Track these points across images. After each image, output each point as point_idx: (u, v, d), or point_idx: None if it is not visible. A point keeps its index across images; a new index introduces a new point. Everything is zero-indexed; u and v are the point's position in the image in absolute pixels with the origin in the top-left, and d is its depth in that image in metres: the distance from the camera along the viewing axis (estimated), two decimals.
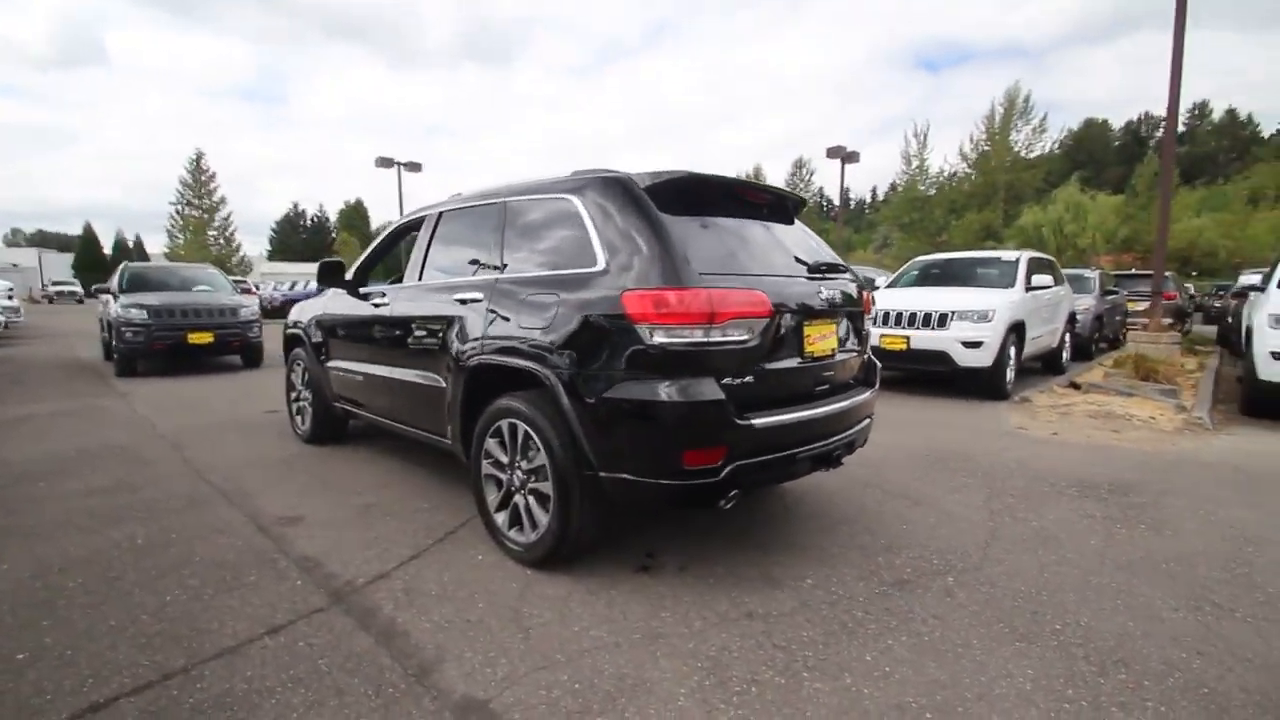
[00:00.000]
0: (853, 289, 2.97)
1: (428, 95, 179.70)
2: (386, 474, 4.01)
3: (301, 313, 4.81)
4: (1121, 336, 12.61)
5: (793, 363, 2.56)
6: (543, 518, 2.57)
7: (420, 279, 3.47)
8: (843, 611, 2.36)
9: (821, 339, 2.69)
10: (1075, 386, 7.26)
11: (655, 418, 2.23)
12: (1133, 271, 16.30)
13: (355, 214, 62.21)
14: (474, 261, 3.12)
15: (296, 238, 67.90)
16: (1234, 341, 10.72)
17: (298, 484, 3.82)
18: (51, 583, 2.53)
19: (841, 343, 2.84)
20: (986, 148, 36.71)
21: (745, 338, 2.33)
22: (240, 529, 3.10)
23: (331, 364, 4.29)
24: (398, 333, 3.49)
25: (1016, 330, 6.99)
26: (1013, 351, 6.99)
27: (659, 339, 2.22)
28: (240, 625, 2.22)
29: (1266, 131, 64.80)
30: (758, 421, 2.34)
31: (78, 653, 2.06)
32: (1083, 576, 2.68)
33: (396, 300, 3.54)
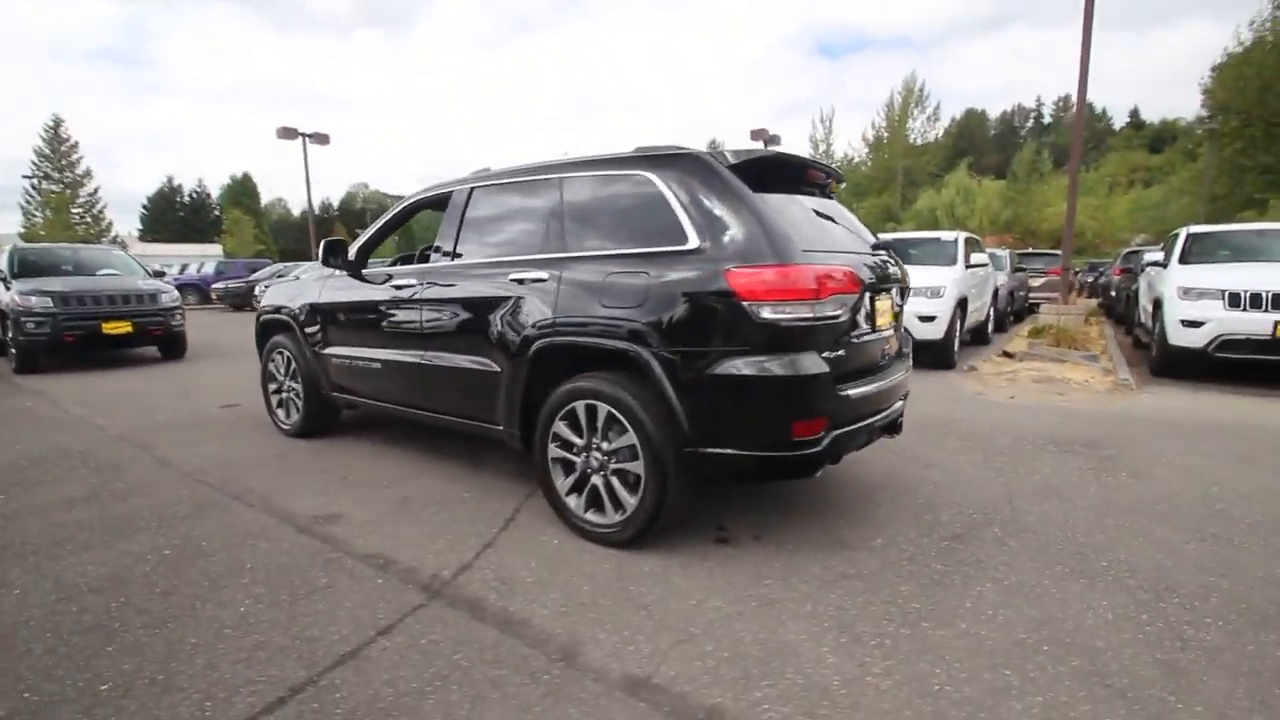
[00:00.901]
0: (896, 264, 3.14)
1: (318, 62, 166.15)
2: (404, 465, 3.82)
3: (283, 297, 4.43)
4: (1026, 309, 13.96)
5: (869, 335, 2.68)
6: (630, 498, 2.57)
7: (454, 259, 3.30)
8: (922, 566, 2.54)
9: (884, 313, 2.83)
10: (1009, 355, 7.98)
11: (766, 392, 2.29)
12: (1029, 250, 17.93)
13: (243, 189, 57.03)
14: (526, 240, 3.01)
15: (172, 215, 61.13)
16: (1120, 313, 12.16)
17: (310, 481, 3.56)
18: (90, 605, 2.25)
19: (895, 316, 3.01)
20: (885, 135, 39.05)
21: (839, 312, 2.42)
22: (278, 532, 2.87)
23: (332, 351, 4.00)
24: (432, 316, 3.31)
25: (961, 305, 7.58)
26: (959, 325, 7.59)
27: (767, 315, 2.26)
28: (344, 629, 2.09)
29: (1117, 124, 72.77)
30: (850, 392, 2.45)
31: (175, 677, 1.86)
32: (1099, 520, 3.02)
33: (428, 282, 3.34)
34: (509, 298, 2.92)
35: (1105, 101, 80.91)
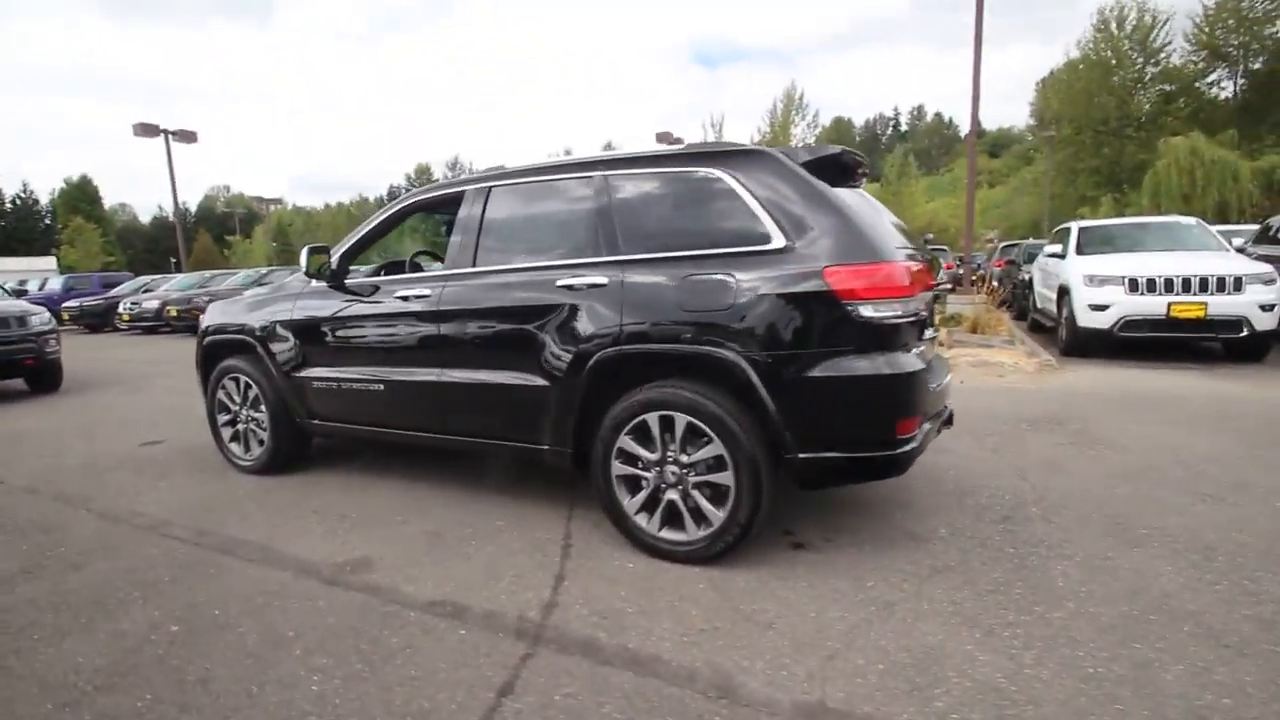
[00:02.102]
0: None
1: (165, 54, 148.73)
2: (406, 496, 3.43)
3: (237, 314, 3.84)
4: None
5: (931, 331, 2.73)
6: (717, 511, 2.44)
7: (474, 265, 3.00)
8: (997, 551, 2.62)
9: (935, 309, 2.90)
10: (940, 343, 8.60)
11: (873, 391, 2.25)
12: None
13: (81, 194, 50.00)
14: (568, 243, 2.79)
15: None
16: (1009, 301, 13.48)
17: (306, 523, 3.10)
18: (108, 709, 1.80)
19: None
20: (769, 139, 41.07)
21: (921, 308, 2.44)
22: (303, 588, 2.46)
23: (312, 374, 3.51)
24: (455, 330, 2.98)
25: None
26: None
27: (867, 313, 2.23)
28: (456, 696, 1.81)
29: (962, 131, 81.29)
30: (933, 386, 2.47)
31: None
32: (1108, 490, 3.27)
33: (446, 292, 3.01)
34: (558, 305, 2.69)
35: (951, 112, 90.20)
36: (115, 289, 18.91)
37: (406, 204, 3.37)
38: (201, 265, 42.75)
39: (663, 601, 2.28)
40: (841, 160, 2.58)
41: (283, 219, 63.11)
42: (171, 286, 17.19)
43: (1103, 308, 7.02)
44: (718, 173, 2.50)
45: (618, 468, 2.62)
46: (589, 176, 2.78)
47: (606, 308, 2.57)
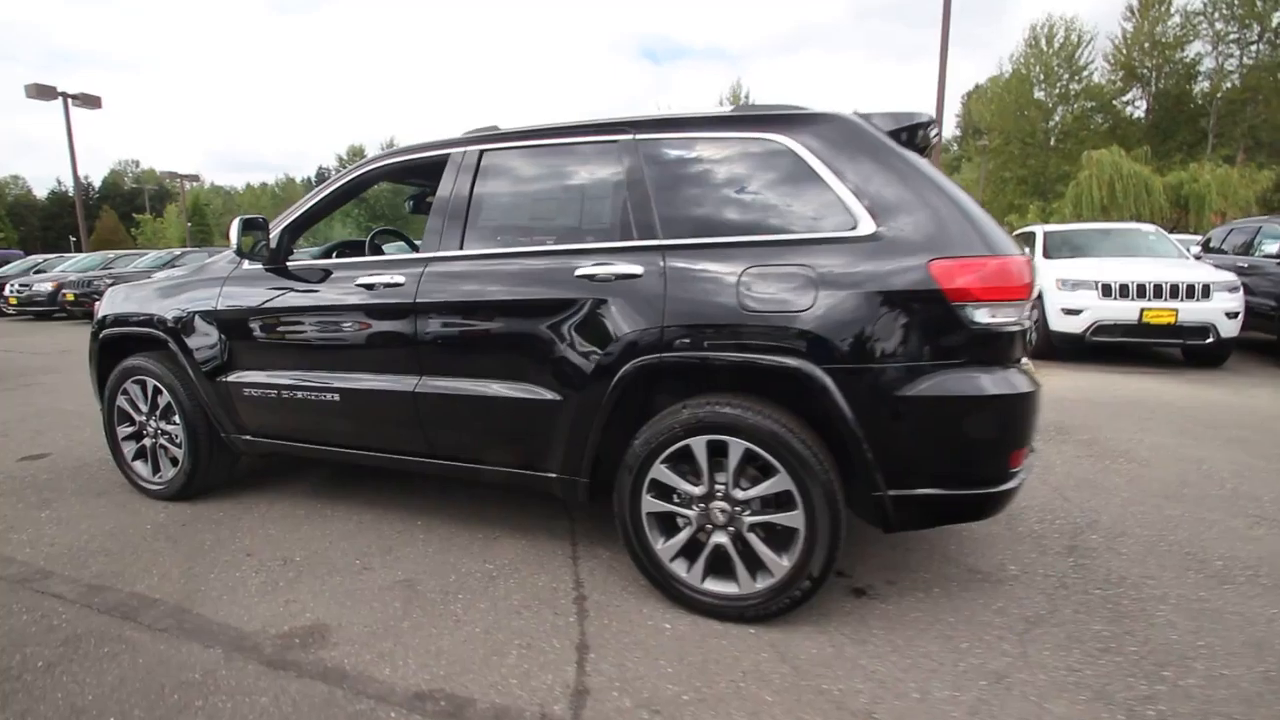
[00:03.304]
0: None
1: (75, 12, 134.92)
2: (366, 528, 2.80)
3: (145, 302, 3.07)
4: None
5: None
6: (780, 559, 1.97)
7: (462, 247, 2.41)
8: (1082, 595, 2.27)
9: None
10: None
11: (989, 416, 1.83)
12: None
13: None
14: (587, 222, 2.25)
15: None
16: None
17: (238, 570, 2.44)
18: None
19: None
20: None
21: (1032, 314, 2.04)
22: (238, 675, 1.83)
23: (244, 379, 2.82)
24: (437, 329, 2.38)
25: None
26: None
27: (982, 318, 1.80)
28: None
29: None
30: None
31: None
32: (1159, 511, 3.01)
33: (427, 281, 2.40)
34: (575, 301, 2.14)
35: None
36: (2, 269, 16.75)
37: (371, 168, 2.71)
38: (106, 245, 39.02)
39: (723, 681, 1.79)
40: (920, 129, 2.15)
41: (200, 198, 58.60)
42: (68, 267, 15.31)
43: (1075, 312, 7.00)
44: (784, 141, 2.02)
45: (650, 503, 2.11)
46: (616, 140, 2.24)
47: (642, 304, 2.05)
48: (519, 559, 2.52)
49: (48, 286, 13.59)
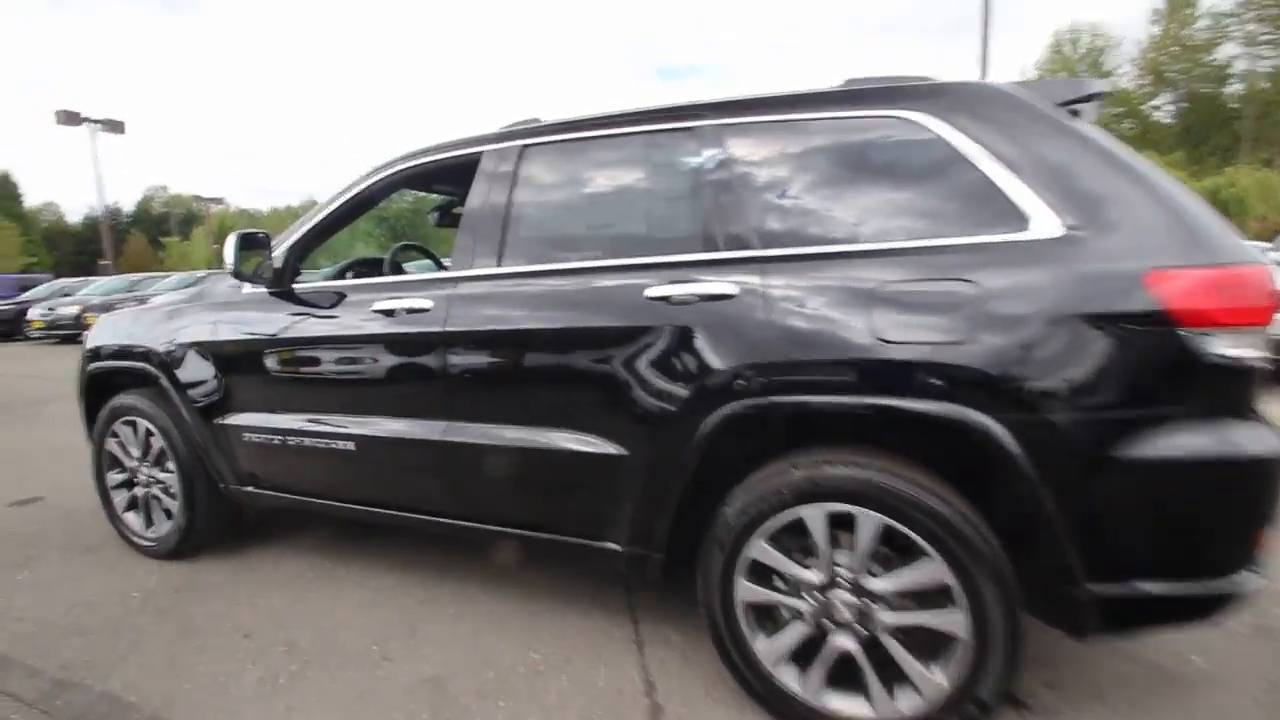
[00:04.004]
0: None
1: (96, 44, 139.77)
2: (383, 602, 2.35)
3: (135, 333, 2.68)
4: None
5: None
6: (931, 675, 1.47)
7: (500, 264, 1.97)
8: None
9: None
10: None
11: (1234, 485, 1.33)
12: None
13: (1, 191, 45.94)
14: (657, 230, 1.81)
15: None
16: None
17: (230, 660, 2.01)
18: None
19: None
20: None
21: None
22: None
23: (244, 421, 2.40)
24: (470, 363, 1.94)
25: None
26: None
27: (1221, 350, 1.31)
28: None
29: None
30: None
31: None
32: None
33: (457, 305, 1.96)
34: (647, 330, 1.69)
35: None
36: (28, 292, 16.84)
37: (389, 173, 2.29)
38: (135, 268, 39.71)
39: None
40: (1092, 102, 1.66)
41: (225, 220, 59.73)
42: (93, 290, 15.33)
43: None
44: (920, 118, 1.56)
45: (747, 589, 1.64)
46: (692, 127, 1.79)
47: (735, 333, 1.59)
48: (570, 645, 2.05)
49: (73, 310, 13.54)
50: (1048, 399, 1.36)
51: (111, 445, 2.79)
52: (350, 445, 2.17)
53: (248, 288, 2.42)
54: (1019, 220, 1.44)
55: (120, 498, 2.83)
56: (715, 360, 1.61)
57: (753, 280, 1.61)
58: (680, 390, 1.65)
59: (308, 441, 2.26)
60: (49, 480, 3.89)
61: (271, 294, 2.37)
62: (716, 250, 1.69)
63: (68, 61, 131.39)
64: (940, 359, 1.41)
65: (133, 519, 2.81)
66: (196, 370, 2.47)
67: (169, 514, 2.69)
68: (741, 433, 1.63)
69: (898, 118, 1.58)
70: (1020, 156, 1.47)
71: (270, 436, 2.35)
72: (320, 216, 2.39)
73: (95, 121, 18.27)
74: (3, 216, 40.17)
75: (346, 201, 2.35)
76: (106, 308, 13.32)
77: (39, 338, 14.13)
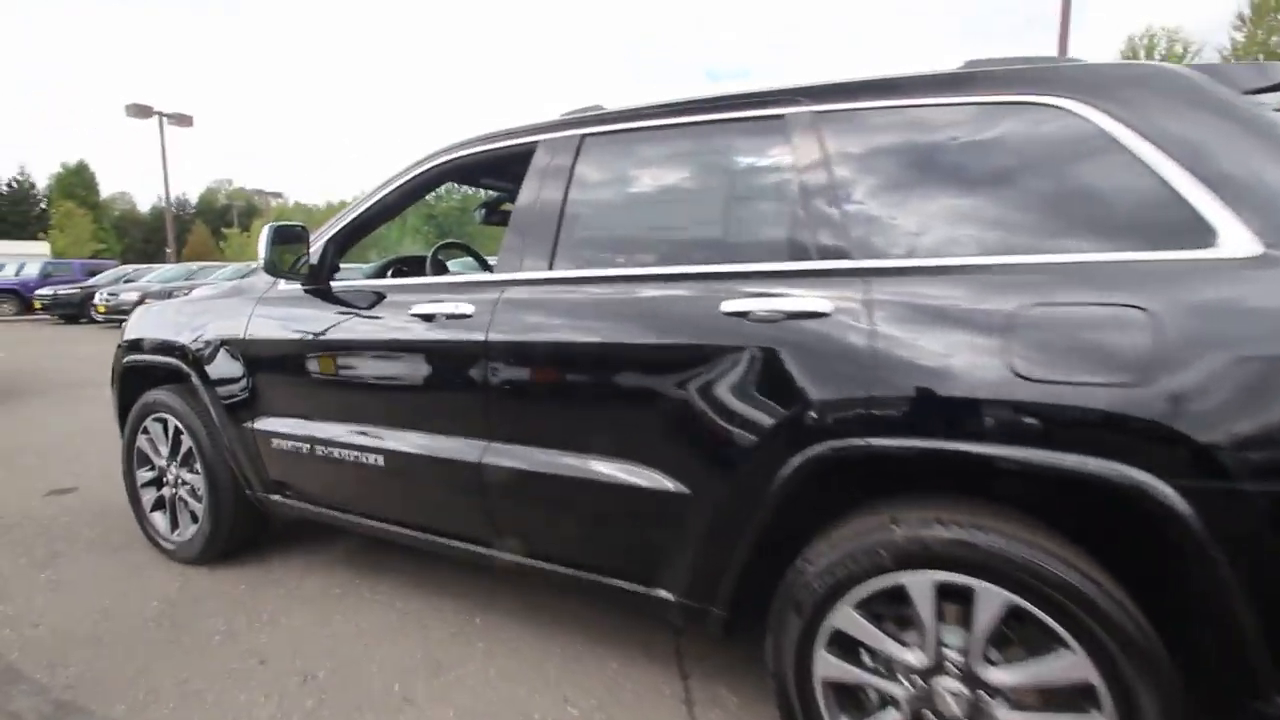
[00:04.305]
0: None
1: (168, 39, 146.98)
2: (411, 630, 2.16)
3: (168, 326, 2.58)
4: None
5: None
6: None
7: (551, 266, 1.76)
8: None
9: None
10: None
11: None
12: None
13: (77, 179, 48.57)
14: (735, 233, 1.57)
15: None
16: None
17: (242, 690, 1.84)
18: None
19: None
20: None
21: None
22: None
23: (273, 426, 2.26)
24: (516, 377, 1.74)
25: None
26: None
27: None
28: None
29: None
30: None
31: None
32: None
33: (502, 312, 1.75)
34: (722, 349, 1.44)
35: None
36: (94, 277, 17.63)
37: (435, 164, 2.09)
38: (198, 257, 41.46)
39: None
40: None
41: (283, 214, 61.92)
42: (154, 278, 15.92)
43: None
44: (1071, 106, 1.27)
45: (829, 664, 1.37)
46: (783, 115, 1.54)
47: (831, 358, 1.33)
48: (610, 698, 1.81)
49: (133, 296, 14.04)
50: (1241, 461, 1.06)
51: (142, 442, 2.70)
52: (379, 460, 1.99)
53: (283, 284, 2.27)
54: (1203, 234, 1.14)
55: (148, 496, 2.73)
56: (802, 390, 1.35)
57: (852, 296, 1.34)
58: (758, 424, 1.40)
59: (336, 452, 2.09)
60: (86, 468, 3.87)
61: (307, 291, 2.21)
62: (807, 259, 1.43)
63: (141, 55, 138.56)
64: (1098, 404, 1.12)
65: (159, 520, 2.70)
66: (227, 369, 2.33)
67: (195, 517, 2.57)
68: (830, 478, 1.36)
69: (1043, 104, 1.30)
70: (1203, 157, 1.17)
71: (299, 444, 2.18)
72: (361, 209, 2.22)
73: (165, 115, 19.05)
74: (79, 205, 42.36)
75: (389, 194, 2.17)
76: (166, 294, 13.81)
77: (103, 321, 14.73)
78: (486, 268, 2.69)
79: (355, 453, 2.05)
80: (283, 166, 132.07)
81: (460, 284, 1.94)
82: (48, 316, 16.67)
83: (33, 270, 18.84)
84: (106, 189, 59.11)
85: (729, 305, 1.45)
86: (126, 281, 16.29)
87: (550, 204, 1.80)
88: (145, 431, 2.67)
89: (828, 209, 1.43)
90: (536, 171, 1.85)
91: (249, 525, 2.55)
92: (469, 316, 1.80)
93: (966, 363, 1.22)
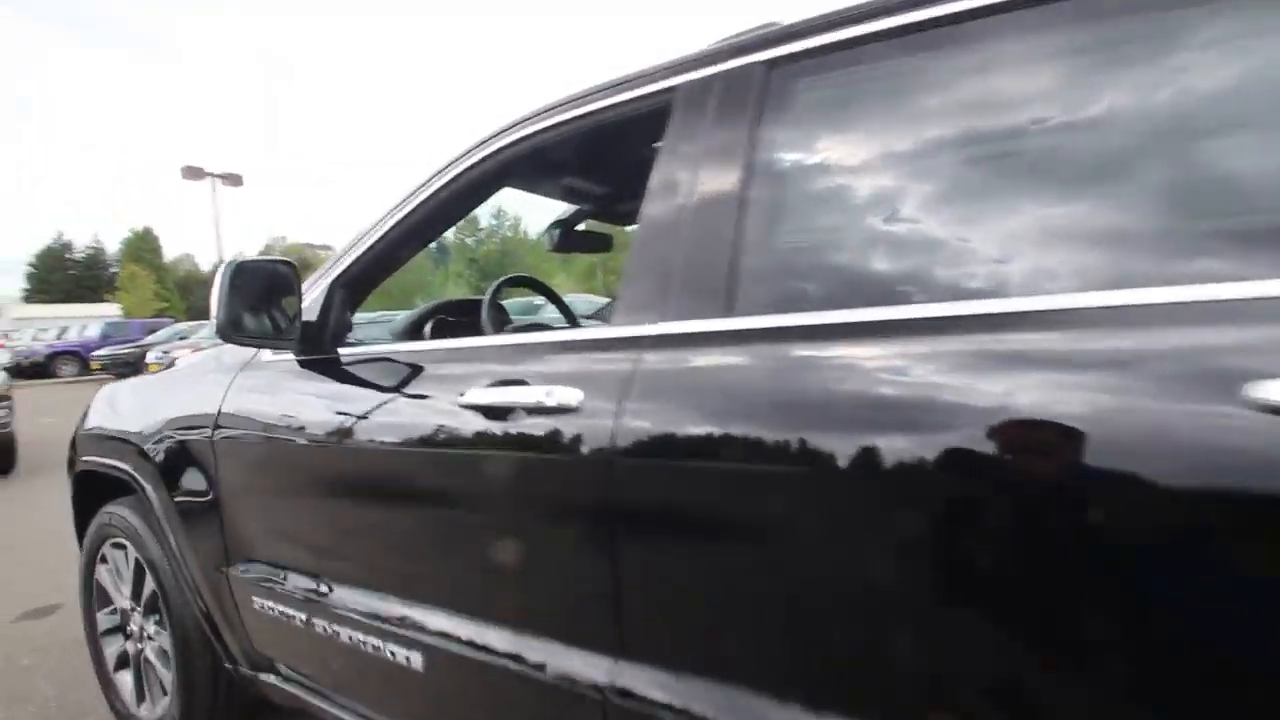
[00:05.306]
0: None
1: (214, 100, 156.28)
2: None
3: (126, 415, 1.84)
4: None
5: None
6: None
7: (730, 310, 0.91)
8: None
9: None
10: None
11: None
12: None
13: (143, 244, 51.34)
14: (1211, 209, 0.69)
15: (62, 274, 54.57)
16: None
17: None
18: None
19: None
20: None
21: None
22: None
23: (252, 574, 1.45)
24: (682, 530, 0.88)
25: None
26: None
27: None
28: None
29: None
30: None
31: None
32: None
33: (640, 395, 0.90)
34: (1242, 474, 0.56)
35: None
36: (150, 336, 17.91)
37: (499, 145, 1.26)
38: None
39: None
40: None
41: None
42: (205, 335, 15.97)
43: None
44: None
45: None
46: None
47: None
48: None
49: (185, 353, 14.03)
50: None
51: (101, 573, 1.94)
52: (414, 658, 1.14)
53: (268, 353, 1.49)
54: None
55: (111, 649, 1.95)
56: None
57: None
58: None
59: (343, 633, 1.26)
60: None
61: (303, 363, 1.43)
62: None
63: (194, 120, 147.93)
64: None
65: (124, 683, 1.92)
66: (190, 482, 1.55)
67: (165, 689, 1.78)
68: None
69: None
70: None
71: (287, 609, 1.37)
72: (381, 232, 1.42)
73: (216, 176, 19.54)
74: (144, 267, 44.46)
75: (421, 204, 1.37)
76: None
77: None
78: (572, 319, 1.87)
79: (371, 637, 1.21)
80: (333, 220, 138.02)
81: (550, 345, 1.11)
82: (107, 376, 16.93)
83: (93, 331, 19.31)
84: (171, 250, 62.39)
85: (1257, 393, 0.56)
86: (181, 339, 16.42)
87: (716, 200, 0.96)
88: (104, 560, 1.92)
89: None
90: (683, 141, 1.02)
91: (232, 709, 1.73)
92: (574, 410, 0.95)
93: None
